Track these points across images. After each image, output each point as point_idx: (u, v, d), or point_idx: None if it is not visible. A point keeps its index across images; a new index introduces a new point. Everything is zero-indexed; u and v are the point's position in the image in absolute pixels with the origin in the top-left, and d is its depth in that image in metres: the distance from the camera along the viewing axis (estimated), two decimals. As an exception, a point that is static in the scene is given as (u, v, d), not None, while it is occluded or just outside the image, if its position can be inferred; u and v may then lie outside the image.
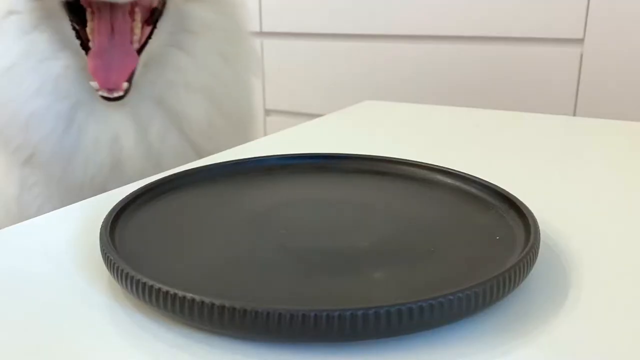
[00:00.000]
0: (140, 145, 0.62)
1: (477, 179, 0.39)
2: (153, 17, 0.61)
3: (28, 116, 0.59)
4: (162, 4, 0.62)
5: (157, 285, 0.25)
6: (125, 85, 0.57)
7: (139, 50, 0.60)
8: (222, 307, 0.24)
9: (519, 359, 0.24)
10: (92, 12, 0.57)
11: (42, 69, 0.60)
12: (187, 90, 0.63)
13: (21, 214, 0.66)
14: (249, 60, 0.70)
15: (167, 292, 0.25)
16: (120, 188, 0.44)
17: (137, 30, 0.59)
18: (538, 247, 0.30)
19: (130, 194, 0.37)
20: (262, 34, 1.20)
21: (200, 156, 0.63)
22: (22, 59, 0.59)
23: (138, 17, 0.59)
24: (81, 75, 0.61)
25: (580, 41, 0.92)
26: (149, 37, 0.61)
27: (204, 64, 0.64)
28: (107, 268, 0.29)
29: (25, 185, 0.66)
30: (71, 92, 0.61)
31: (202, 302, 0.24)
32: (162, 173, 0.43)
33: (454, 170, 0.41)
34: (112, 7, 0.56)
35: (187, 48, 0.63)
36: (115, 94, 0.56)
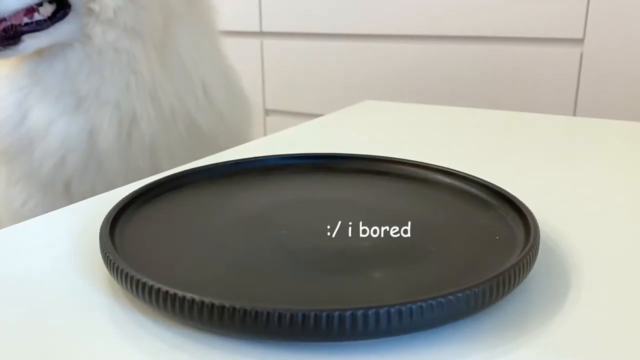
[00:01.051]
0: (69, 141, 0.65)
1: (477, 179, 0.39)
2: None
3: None
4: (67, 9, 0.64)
5: (157, 285, 0.25)
6: None
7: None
8: (222, 307, 0.24)
9: (519, 359, 0.24)
10: None
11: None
12: (100, 103, 0.65)
13: (8, 208, 0.70)
14: (198, 91, 0.71)
15: (167, 292, 0.25)
16: (120, 188, 0.44)
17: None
18: (538, 247, 0.30)
19: (130, 194, 0.37)
20: (262, 34, 1.20)
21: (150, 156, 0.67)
22: None
23: None
24: (35, 67, 0.65)
25: (580, 41, 0.92)
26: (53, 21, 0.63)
27: (113, 81, 0.66)
28: (107, 268, 0.29)
29: (10, 181, 0.69)
30: (24, 83, 0.65)
31: (202, 302, 0.24)
32: (162, 173, 0.43)
33: (454, 170, 0.41)
34: None
35: (93, 59, 0.65)
36: None
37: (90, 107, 0.65)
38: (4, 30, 0.61)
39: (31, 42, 0.63)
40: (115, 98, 0.65)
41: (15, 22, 0.61)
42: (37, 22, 0.62)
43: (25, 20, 0.63)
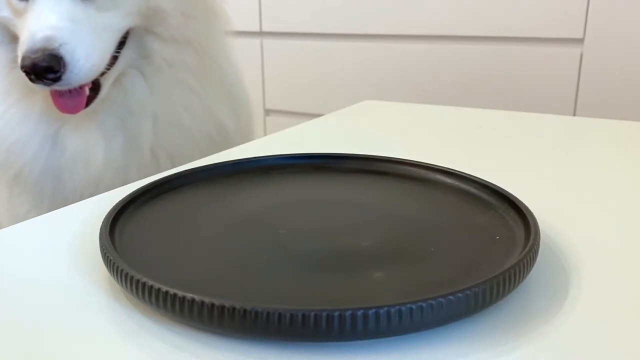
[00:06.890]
0: (109, 162, 0.65)
1: (477, 179, 0.39)
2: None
3: (12, 142, 0.65)
4: (125, 35, 0.63)
5: (157, 285, 0.25)
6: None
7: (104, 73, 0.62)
8: (222, 307, 0.24)
9: (519, 359, 0.24)
10: None
11: (25, 102, 0.65)
12: (143, 117, 0.65)
13: (10, 215, 0.69)
14: (222, 90, 0.71)
15: (167, 292, 0.25)
16: (120, 188, 0.44)
17: None
18: (538, 247, 0.30)
19: (130, 194, 0.37)
20: (262, 33, 1.20)
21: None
22: (3, 97, 0.65)
23: None
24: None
25: (580, 41, 0.92)
26: (114, 62, 0.63)
27: (160, 95, 0.66)
28: (107, 268, 0.29)
29: (14, 191, 0.68)
30: (55, 116, 0.64)
31: (202, 302, 0.24)
32: (161, 173, 0.43)
33: (454, 170, 0.41)
34: None
35: (148, 77, 0.65)
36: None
37: (131, 123, 0.64)
38: (91, 87, 0.61)
39: (107, 83, 0.63)
40: (156, 111, 0.65)
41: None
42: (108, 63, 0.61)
43: None
